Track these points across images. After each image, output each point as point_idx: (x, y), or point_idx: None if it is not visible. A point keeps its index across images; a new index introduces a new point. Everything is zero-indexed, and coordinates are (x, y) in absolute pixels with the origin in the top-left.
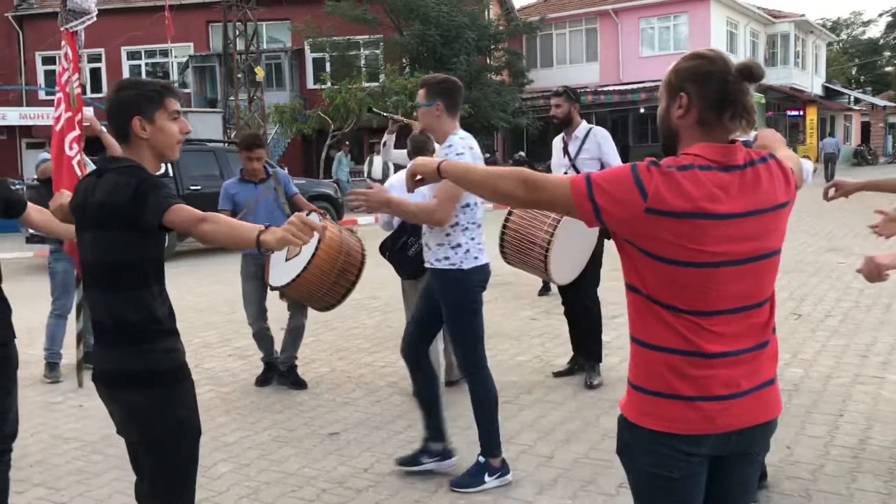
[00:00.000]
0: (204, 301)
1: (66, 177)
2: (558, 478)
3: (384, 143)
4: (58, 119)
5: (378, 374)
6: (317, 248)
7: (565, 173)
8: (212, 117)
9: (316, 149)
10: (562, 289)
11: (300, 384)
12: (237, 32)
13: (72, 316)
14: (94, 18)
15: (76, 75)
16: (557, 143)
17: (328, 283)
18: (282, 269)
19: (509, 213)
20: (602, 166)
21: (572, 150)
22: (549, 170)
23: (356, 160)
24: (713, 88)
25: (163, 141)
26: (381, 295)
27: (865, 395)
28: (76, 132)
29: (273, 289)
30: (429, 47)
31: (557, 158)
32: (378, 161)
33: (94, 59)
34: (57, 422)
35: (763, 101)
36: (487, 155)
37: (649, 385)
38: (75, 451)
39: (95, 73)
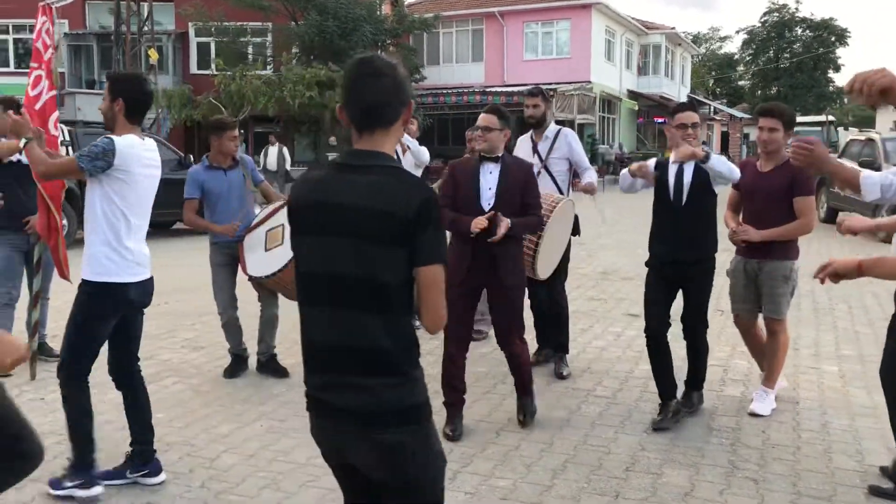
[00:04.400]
0: None
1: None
2: (566, 463)
3: None
4: (37, 97)
5: None
6: None
7: (538, 173)
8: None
9: (200, 136)
10: (530, 284)
11: (282, 372)
12: (132, 12)
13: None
14: None
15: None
16: (525, 142)
17: None
18: (262, 259)
19: None
20: (570, 166)
21: (542, 149)
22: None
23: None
24: None
25: None
26: None
27: (810, 384)
28: (57, 113)
29: (252, 279)
30: (325, 38)
31: (525, 157)
32: (273, 151)
33: None
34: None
35: (636, 107)
36: None
37: None
38: (58, 446)
39: None
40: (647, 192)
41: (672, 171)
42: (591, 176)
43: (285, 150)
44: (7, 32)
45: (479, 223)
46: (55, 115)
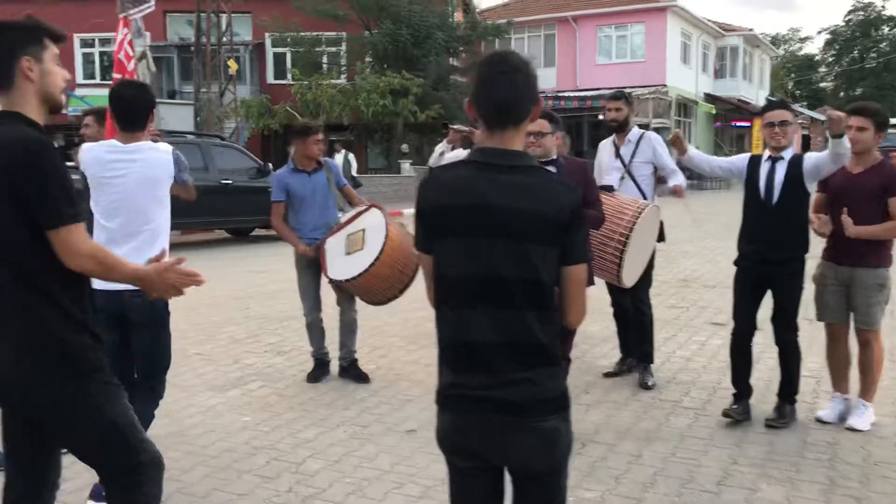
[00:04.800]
0: (208, 297)
1: None
2: (656, 476)
3: (440, 153)
4: None
5: (428, 373)
6: (384, 246)
7: (621, 178)
8: (184, 109)
9: (275, 145)
10: (613, 291)
11: (363, 378)
12: (211, 24)
13: None
14: (153, 7)
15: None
16: (607, 146)
17: (390, 279)
18: (342, 263)
19: None
20: (654, 170)
21: (625, 153)
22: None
23: None
24: None
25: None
26: None
27: None
28: None
29: (332, 281)
30: (398, 47)
31: (608, 161)
32: (339, 158)
33: None
34: None
35: (713, 111)
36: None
37: None
38: None
39: None
40: (724, 194)
41: (764, 169)
42: (679, 179)
43: (351, 156)
44: (93, 46)
45: None
46: None
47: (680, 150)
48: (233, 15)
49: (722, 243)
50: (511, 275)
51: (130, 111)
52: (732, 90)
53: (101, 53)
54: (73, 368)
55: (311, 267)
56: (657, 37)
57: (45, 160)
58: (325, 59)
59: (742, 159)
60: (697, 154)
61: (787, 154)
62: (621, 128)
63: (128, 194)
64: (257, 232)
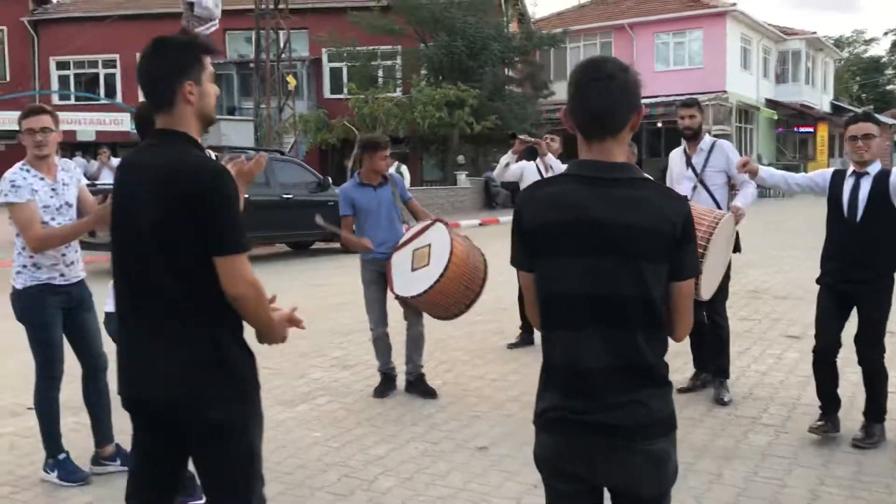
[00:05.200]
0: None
1: None
2: (739, 497)
3: (506, 164)
4: None
5: (495, 388)
6: (449, 262)
7: (694, 188)
8: (244, 125)
9: (332, 159)
10: None
11: (430, 393)
12: (270, 40)
13: None
14: (217, 25)
15: None
16: (679, 155)
17: (457, 295)
18: (408, 279)
19: None
20: (728, 179)
21: (697, 162)
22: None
23: None
24: None
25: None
26: None
27: None
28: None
29: (398, 297)
30: (454, 58)
31: (679, 171)
32: (391, 170)
33: (109, 63)
34: None
35: (775, 117)
36: None
37: None
38: None
39: (110, 79)
40: (786, 202)
41: (848, 184)
42: (747, 194)
43: (404, 168)
44: None
45: None
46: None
47: (751, 173)
48: (290, 31)
49: (789, 252)
50: (623, 293)
51: (139, 131)
52: (795, 95)
53: None
54: (241, 389)
55: (377, 282)
56: (716, 42)
57: (228, 189)
58: (380, 73)
59: (824, 175)
60: (771, 173)
61: (873, 169)
62: (694, 136)
63: None
64: (317, 245)
